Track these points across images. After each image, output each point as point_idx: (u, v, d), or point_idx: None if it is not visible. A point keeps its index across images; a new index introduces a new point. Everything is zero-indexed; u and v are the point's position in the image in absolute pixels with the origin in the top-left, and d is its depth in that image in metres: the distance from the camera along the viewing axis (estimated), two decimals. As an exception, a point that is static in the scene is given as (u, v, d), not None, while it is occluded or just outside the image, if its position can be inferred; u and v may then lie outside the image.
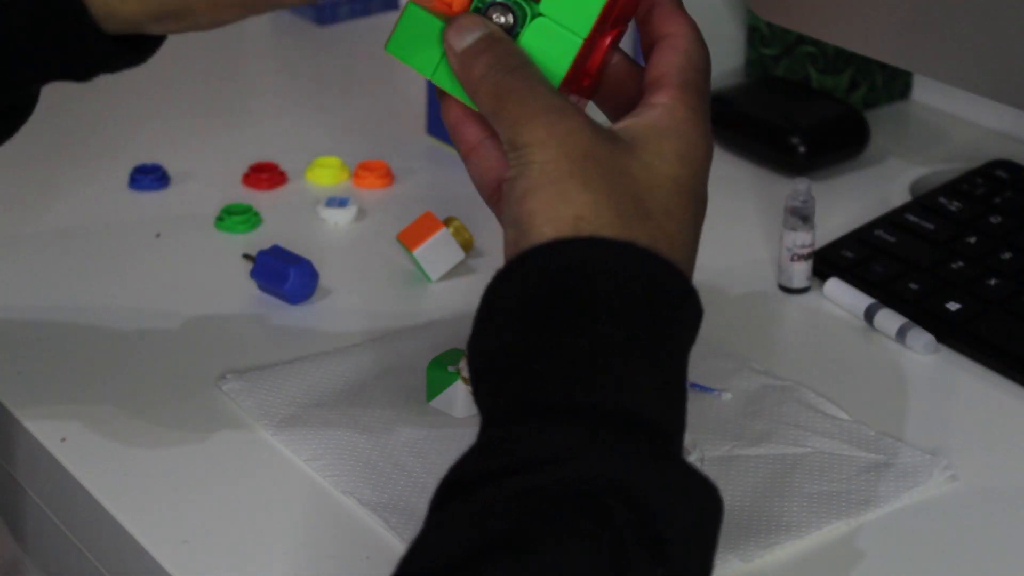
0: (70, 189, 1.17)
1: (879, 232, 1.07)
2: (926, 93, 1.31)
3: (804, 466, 0.86)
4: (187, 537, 0.82)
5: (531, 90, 0.72)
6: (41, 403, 0.92)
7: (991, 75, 0.97)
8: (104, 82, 1.38)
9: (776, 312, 1.03)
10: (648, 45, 0.76)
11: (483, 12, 0.75)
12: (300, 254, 1.02)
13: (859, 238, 1.07)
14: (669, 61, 0.74)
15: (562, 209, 0.69)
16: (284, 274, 1.01)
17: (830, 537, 0.82)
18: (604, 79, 0.78)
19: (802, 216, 1.02)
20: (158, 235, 1.11)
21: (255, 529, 0.82)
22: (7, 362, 0.95)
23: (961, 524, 0.83)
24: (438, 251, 1.04)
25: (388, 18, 1.48)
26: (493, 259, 1.07)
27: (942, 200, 1.10)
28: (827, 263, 1.05)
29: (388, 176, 1.19)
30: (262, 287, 1.03)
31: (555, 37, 0.74)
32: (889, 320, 0.99)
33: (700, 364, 0.93)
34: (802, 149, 1.19)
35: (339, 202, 1.13)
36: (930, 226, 1.07)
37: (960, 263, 1.03)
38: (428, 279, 1.05)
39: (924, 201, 1.11)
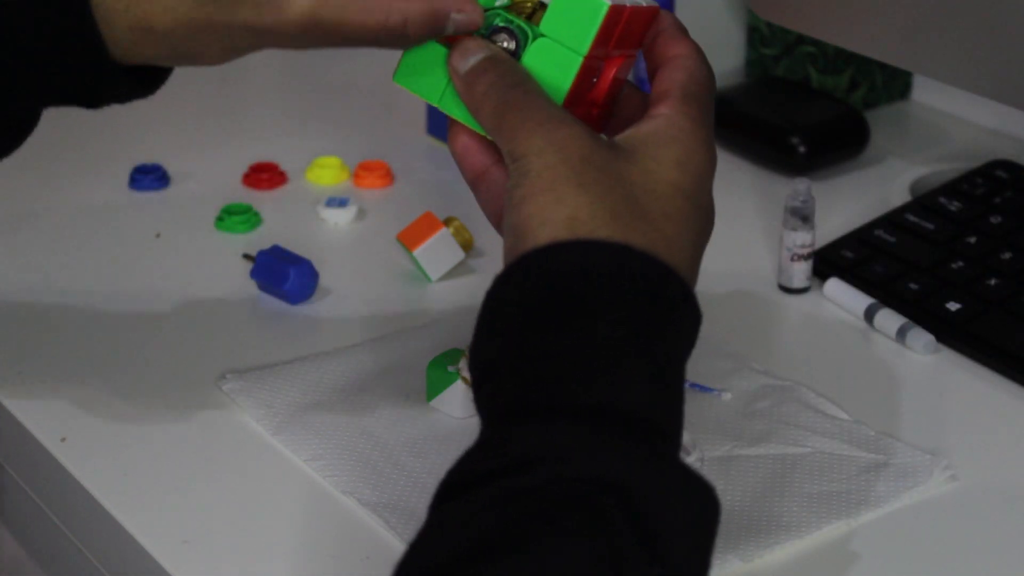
0: (70, 189, 1.17)
1: (879, 232, 1.07)
2: (926, 93, 1.31)
3: (804, 466, 0.86)
4: (187, 537, 0.82)
5: (530, 102, 0.73)
6: (41, 403, 0.92)
7: (991, 75, 0.97)
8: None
9: (776, 312, 1.03)
10: (653, 68, 0.77)
11: (487, 38, 0.76)
12: (300, 254, 1.02)
13: (859, 238, 1.07)
14: (672, 78, 0.75)
15: (557, 211, 0.69)
16: (284, 274, 1.01)
17: (830, 537, 0.82)
18: (617, 112, 0.79)
19: (802, 216, 1.02)
20: (158, 235, 1.11)
21: (255, 529, 0.82)
22: (7, 362, 0.95)
23: (961, 524, 0.83)
24: (438, 251, 1.04)
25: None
26: (493, 259, 1.07)
27: (942, 200, 1.10)
28: (827, 263, 1.05)
29: (388, 176, 1.19)
30: (262, 287, 1.03)
31: (556, 55, 0.75)
32: (889, 320, 0.99)
33: (700, 364, 0.93)
34: (802, 149, 1.19)
35: (339, 202, 1.13)
36: (930, 226, 1.07)
37: (960, 263, 1.03)
38: (428, 279, 1.05)
39: (924, 201, 1.11)
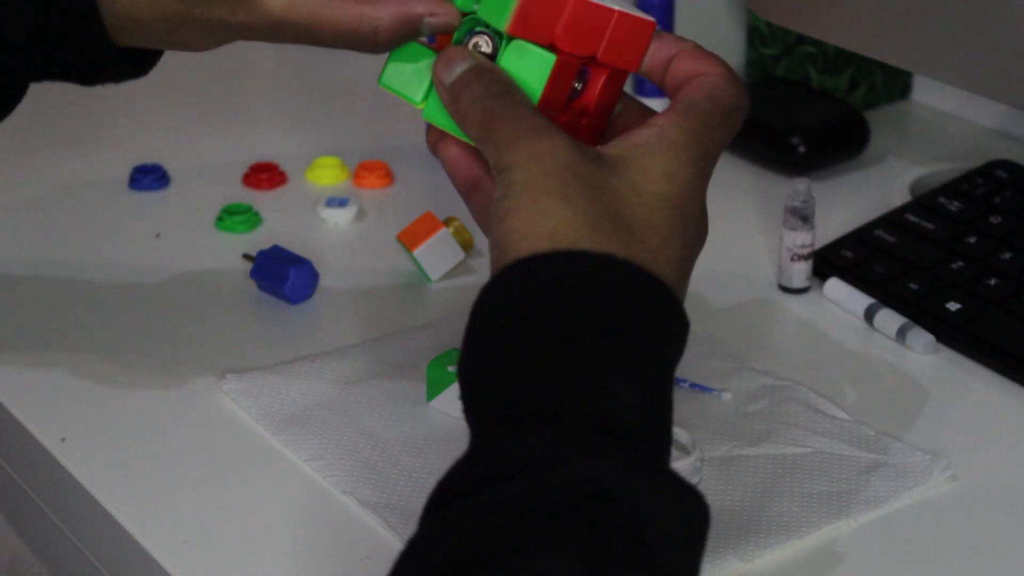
0: (70, 189, 1.17)
1: (879, 232, 1.07)
2: (926, 93, 1.31)
3: (804, 466, 0.86)
4: (187, 537, 0.82)
5: (514, 113, 0.72)
6: (41, 403, 0.92)
7: (991, 75, 0.97)
8: (104, 82, 1.38)
9: (776, 312, 1.03)
10: (675, 90, 0.76)
11: (465, 42, 0.76)
12: (300, 254, 1.02)
13: (859, 238, 1.07)
14: (687, 92, 0.75)
15: (539, 224, 0.69)
16: (284, 274, 1.01)
17: (830, 537, 0.82)
18: (617, 126, 0.79)
19: (802, 216, 1.02)
20: (158, 235, 1.11)
21: (255, 529, 0.82)
22: (7, 362, 0.95)
23: (961, 524, 0.83)
24: (438, 251, 1.04)
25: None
26: (493, 259, 1.07)
27: (942, 200, 1.10)
28: (827, 263, 1.05)
29: (388, 176, 1.19)
30: (262, 287, 1.03)
31: (529, 56, 0.75)
32: (889, 320, 0.99)
33: (700, 364, 0.93)
34: (802, 149, 1.19)
35: (339, 202, 1.13)
36: (930, 226, 1.07)
37: (960, 263, 1.03)
38: (428, 279, 1.05)
39: (924, 201, 1.11)
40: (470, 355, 0.70)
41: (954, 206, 1.09)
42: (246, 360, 0.95)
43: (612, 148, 0.73)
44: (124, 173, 1.18)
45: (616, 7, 0.77)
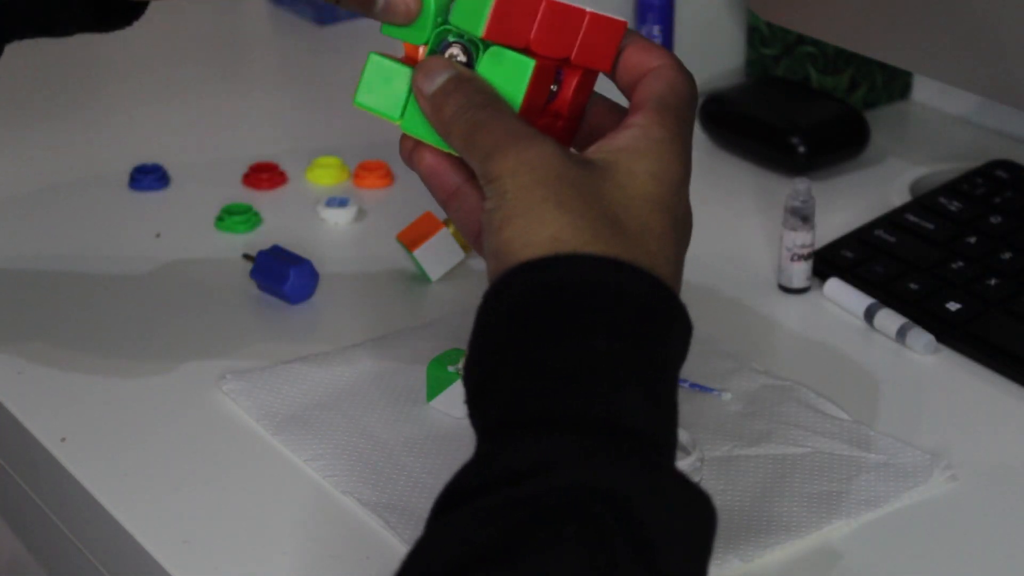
0: (70, 189, 1.17)
1: (879, 232, 1.07)
2: (926, 93, 1.31)
3: (804, 466, 0.86)
4: (187, 537, 0.82)
5: (500, 122, 0.72)
6: (41, 403, 0.92)
7: (991, 75, 0.97)
8: (104, 82, 1.39)
9: (776, 312, 1.03)
10: (629, 84, 0.76)
11: (438, 53, 0.76)
12: (300, 254, 1.02)
13: (859, 238, 1.07)
14: (650, 88, 0.75)
15: (538, 232, 0.69)
16: (284, 274, 1.01)
17: (830, 537, 0.82)
18: (586, 125, 0.79)
19: (802, 216, 1.02)
20: (158, 235, 1.11)
21: (255, 529, 0.82)
22: (7, 362, 0.95)
23: (961, 524, 0.83)
24: (438, 251, 1.04)
25: (388, 18, 1.48)
26: (493, 259, 1.07)
27: (942, 200, 1.10)
28: (827, 263, 1.05)
29: (388, 176, 1.19)
30: (262, 287, 1.03)
31: (508, 62, 0.75)
32: (889, 320, 0.99)
33: (700, 364, 0.93)
34: (802, 149, 1.19)
35: (339, 202, 1.13)
36: (930, 226, 1.07)
37: (960, 263, 1.03)
38: (428, 279, 1.05)
39: (924, 201, 1.11)
40: (475, 359, 0.70)
41: (954, 206, 1.09)
42: (246, 360, 0.95)
43: (597, 153, 0.73)
44: (124, 173, 1.18)
45: (587, 8, 0.77)
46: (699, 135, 1.21)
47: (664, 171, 0.72)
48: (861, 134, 1.21)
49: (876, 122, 1.26)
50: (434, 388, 0.91)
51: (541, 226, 0.69)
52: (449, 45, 0.76)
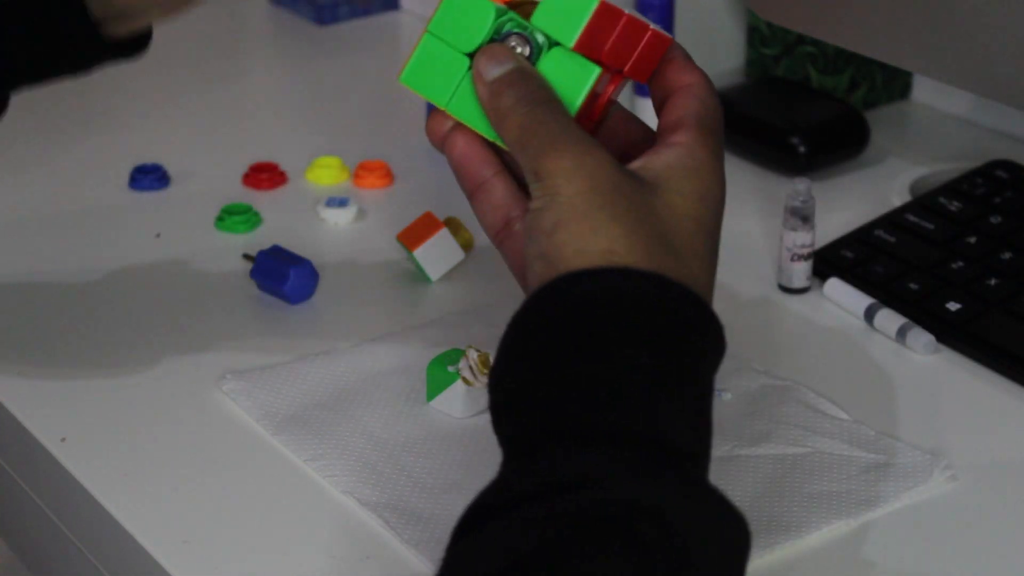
0: (70, 189, 1.17)
1: (879, 232, 1.07)
2: (926, 93, 1.31)
3: (804, 466, 0.86)
4: (187, 537, 0.82)
5: (559, 123, 0.72)
6: (41, 403, 0.92)
7: (991, 75, 0.97)
8: (104, 82, 1.39)
9: (776, 312, 1.03)
10: (661, 97, 0.76)
11: (500, 37, 0.75)
12: (300, 254, 1.02)
13: (859, 238, 1.07)
14: (687, 106, 0.75)
15: (593, 242, 0.69)
16: (284, 274, 1.01)
17: (830, 537, 0.82)
18: (604, 129, 0.79)
19: (802, 216, 1.02)
20: (158, 235, 1.11)
21: (255, 529, 0.82)
22: (7, 362, 0.95)
23: (961, 524, 0.83)
24: (438, 251, 1.04)
25: (388, 18, 1.48)
26: (493, 259, 1.07)
27: (942, 200, 1.10)
28: (827, 263, 1.05)
29: (388, 176, 1.19)
30: (262, 287, 1.03)
31: (572, 66, 0.74)
32: (889, 320, 0.99)
33: (700, 364, 0.93)
34: (802, 149, 1.19)
35: (339, 202, 1.13)
36: (930, 226, 1.07)
37: (960, 263, 1.03)
38: (428, 279, 1.05)
39: (924, 201, 1.11)
40: (513, 363, 0.69)
41: (954, 206, 1.09)
42: (246, 360, 0.95)
43: (645, 169, 0.72)
44: (124, 173, 1.18)
45: (650, 24, 0.76)
46: (699, 135, 1.21)
47: (709, 193, 0.72)
48: (861, 134, 1.21)
49: (876, 122, 1.26)
50: (434, 388, 0.91)
51: (595, 236, 0.69)
52: (508, 35, 0.75)
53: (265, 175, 1.18)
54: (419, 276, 1.05)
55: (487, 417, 0.90)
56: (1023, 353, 0.95)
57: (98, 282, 1.05)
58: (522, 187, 0.76)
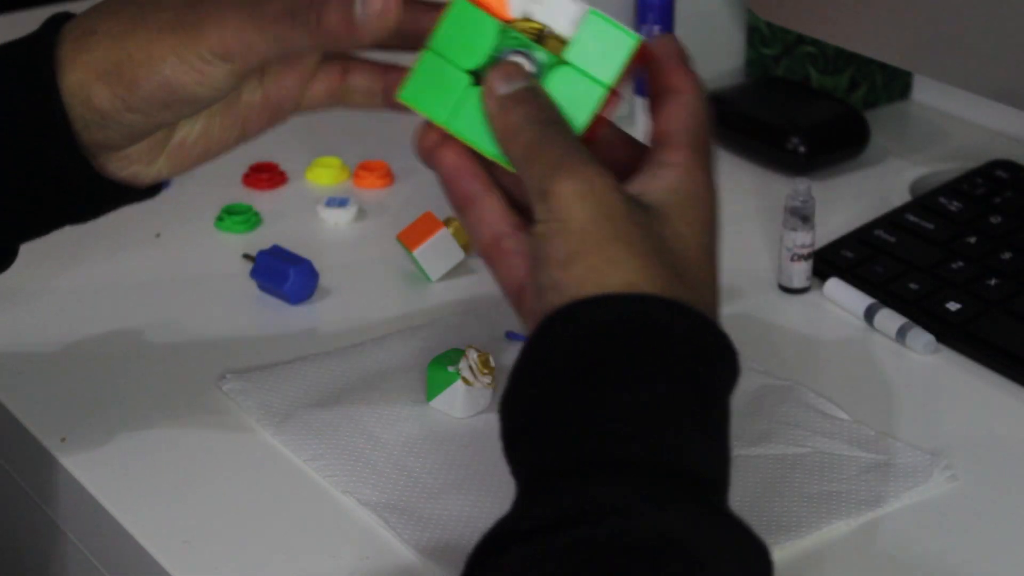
0: (70, 189, 1.17)
1: (879, 232, 1.07)
2: (926, 93, 1.31)
3: (804, 466, 0.86)
4: (187, 537, 0.82)
5: (567, 144, 0.71)
6: (41, 403, 0.92)
7: (991, 75, 0.97)
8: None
9: (776, 312, 1.03)
10: (654, 96, 0.75)
11: (502, 54, 0.75)
12: (300, 254, 1.02)
13: (859, 238, 1.07)
14: (678, 118, 0.74)
15: (612, 275, 0.68)
16: (284, 274, 1.01)
17: (830, 537, 0.82)
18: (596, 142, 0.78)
19: (802, 216, 1.02)
20: (158, 235, 1.11)
21: (255, 529, 0.82)
22: (7, 362, 0.95)
23: (961, 524, 0.83)
24: (438, 251, 1.04)
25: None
26: (493, 259, 1.07)
27: (942, 200, 1.10)
28: (827, 263, 1.05)
29: (388, 176, 1.19)
30: (262, 287, 1.03)
31: (579, 86, 0.74)
32: (889, 320, 0.99)
33: (700, 364, 0.93)
34: (802, 149, 1.19)
35: (339, 202, 1.13)
36: (930, 226, 1.07)
37: (960, 263, 1.03)
38: (428, 279, 1.05)
39: (924, 201, 1.11)
40: (527, 389, 0.69)
41: (954, 206, 1.09)
42: (246, 360, 0.95)
43: (646, 195, 0.71)
44: (124, 173, 1.18)
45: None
46: (699, 135, 1.21)
47: (711, 219, 0.72)
48: (861, 134, 1.21)
49: (876, 122, 1.26)
50: (434, 388, 0.91)
51: (615, 268, 0.68)
52: (514, 53, 0.75)
53: (265, 175, 1.18)
54: (419, 276, 1.05)
55: (487, 417, 0.90)
56: (1023, 353, 0.95)
57: (98, 282, 1.05)
58: (513, 204, 0.75)
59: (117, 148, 0.79)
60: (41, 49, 0.77)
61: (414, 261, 1.05)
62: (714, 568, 0.63)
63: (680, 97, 0.74)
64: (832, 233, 1.08)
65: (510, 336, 0.97)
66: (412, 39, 0.77)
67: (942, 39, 0.99)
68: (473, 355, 0.90)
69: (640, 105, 1.22)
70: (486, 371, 0.90)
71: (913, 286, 1.02)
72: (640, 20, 1.27)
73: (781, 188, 1.13)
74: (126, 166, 0.80)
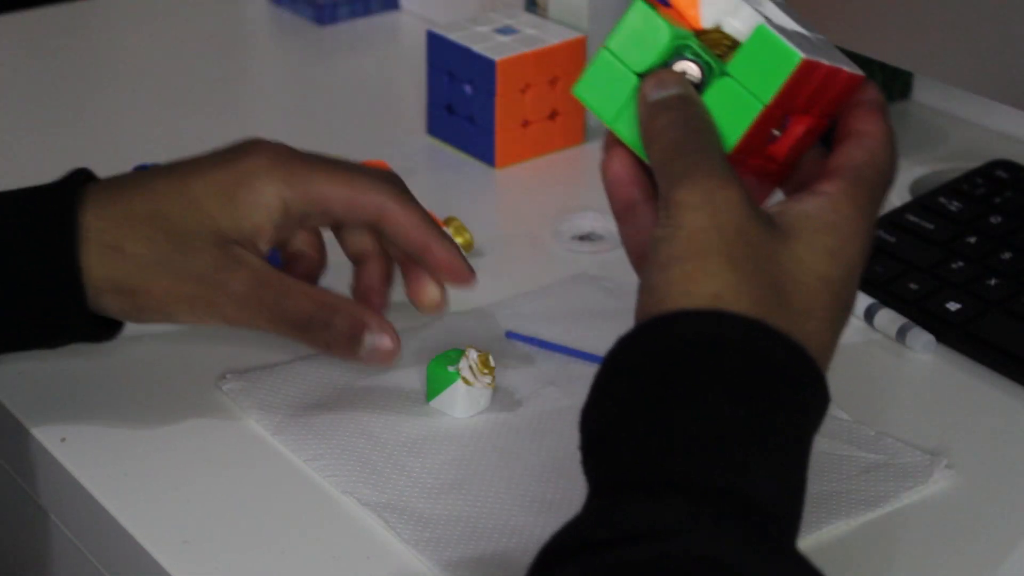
0: (70, 189, 1.17)
1: (879, 232, 1.07)
2: (926, 93, 1.31)
3: (804, 466, 0.86)
4: (187, 537, 0.82)
5: (702, 152, 0.71)
6: (41, 403, 0.92)
7: (991, 75, 0.98)
8: (105, 82, 1.39)
9: (776, 312, 1.02)
10: (839, 140, 0.75)
11: (671, 64, 0.75)
12: (300, 254, 1.02)
13: (859, 238, 1.07)
14: (849, 155, 0.73)
15: (703, 285, 0.67)
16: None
17: (830, 537, 0.82)
18: (801, 173, 0.77)
19: (802, 216, 1.02)
20: (158, 235, 1.11)
21: (255, 529, 0.82)
22: (7, 362, 0.95)
23: (961, 524, 0.83)
24: (438, 251, 1.04)
25: (388, 18, 1.48)
26: (493, 259, 1.07)
27: (942, 200, 1.10)
28: (827, 263, 1.05)
29: (388, 176, 1.18)
30: (262, 287, 1.03)
31: (737, 99, 0.74)
32: (889, 320, 0.99)
33: (700, 364, 0.93)
34: (802, 149, 1.18)
35: (339, 202, 1.12)
36: (930, 226, 1.07)
37: (960, 263, 1.03)
38: (428, 279, 1.04)
39: (924, 201, 1.11)
40: (601, 402, 0.68)
41: (954, 206, 1.09)
42: (246, 360, 0.95)
43: (782, 215, 0.71)
44: (124, 173, 1.18)
45: (844, 67, 0.75)
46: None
47: (843, 251, 0.71)
48: (861, 134, 1.21)
49: (876, 122, 1.25)
50: (434, 388, 0.91)
51: (706, 278, 0.67)
52: (684, 59, 0.75)
53: (265, 175, 1.17)
54: (419, 276, 1.05)
55: (487, 417, 0.90)
56: (1023, 353, 0.95)
57: (98, 282, 1.05)
58: None
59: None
60: (64, 225, 0.84)
61: (414, 261, 1.04)
62: None
63: (863, 139, 0.74)
64: (832, 233, 1.08)
65: (510, 336, 0.97)
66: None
67: (942, 39, 0.99)
68: (473, 355, 0.90)
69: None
70: (486, 371, 0.90)
71: (913, 286, 1.02)
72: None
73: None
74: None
